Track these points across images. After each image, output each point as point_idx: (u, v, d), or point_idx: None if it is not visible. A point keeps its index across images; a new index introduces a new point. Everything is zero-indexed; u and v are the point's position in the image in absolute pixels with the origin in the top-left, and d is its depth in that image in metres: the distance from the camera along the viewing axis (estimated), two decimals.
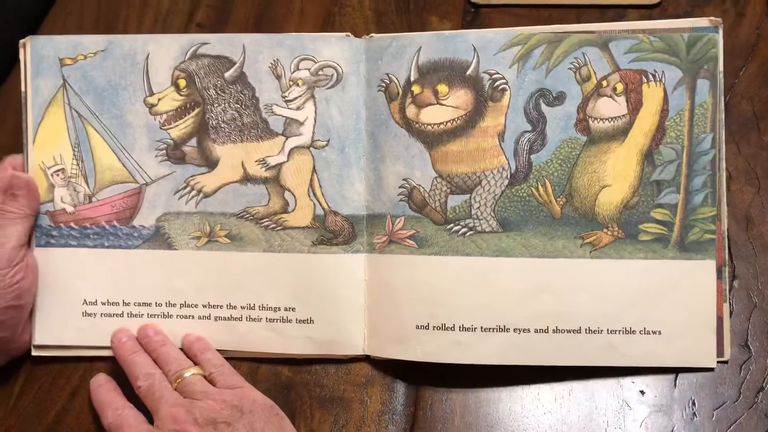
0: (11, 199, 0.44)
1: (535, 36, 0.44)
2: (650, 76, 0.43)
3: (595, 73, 0.44)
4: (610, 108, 0.44)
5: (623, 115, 0.44)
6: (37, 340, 0.46)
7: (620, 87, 0.43)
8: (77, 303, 0.46)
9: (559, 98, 0.44)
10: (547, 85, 0.44)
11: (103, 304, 0.46)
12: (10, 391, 0.45)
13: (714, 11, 0.55)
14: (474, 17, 0.59)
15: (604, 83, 0.44)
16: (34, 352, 0.46)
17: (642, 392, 0.43)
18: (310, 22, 0.59)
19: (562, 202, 0.44)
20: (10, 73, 0.58)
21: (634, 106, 0.43)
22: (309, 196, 0.46)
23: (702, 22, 0.43)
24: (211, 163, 0.47)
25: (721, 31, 0.43)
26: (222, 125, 0.47)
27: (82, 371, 0.46)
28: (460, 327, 0.43)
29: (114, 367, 0.45)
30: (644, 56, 0.43)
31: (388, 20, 0.59)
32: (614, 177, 0.43)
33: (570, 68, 0.44)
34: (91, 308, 0.46)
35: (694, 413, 0.42)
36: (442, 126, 0.44)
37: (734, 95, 0.51)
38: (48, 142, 0.47)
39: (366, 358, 0.45)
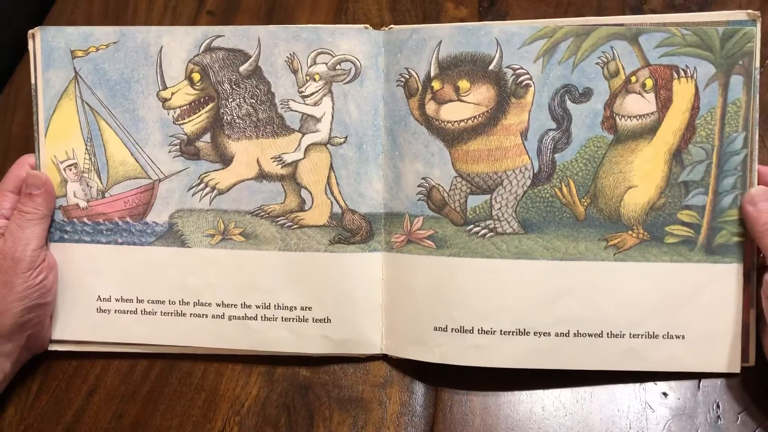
0: (28, 198, 0.44)
1: (561, 29, 0.42)
2: (681, 72, 0.41)
3: (623, 68, 0.42)
4: (638, 105, 0.42)
5: (652, 113, 0.42)
6: (54, 335, 0.46)
7: (649, 83, 0.42)
8: (91, 299, 0.46)
9: (585, 95, 0.42)
10: (573, 80, 0.42)
11: (117, 300, 0.46)
12: (28, 389, 0.45)
13: None
14: (491, 3, 0.57)
15: (633, 79, 0.42)
16: (51, 347, 0.46)
17: (665, 394, 0.42)
18: (323, 9, 0.58)
19: (586, 203, 0.43)
20: (18, 63, 0.57)
21: (664, 104, 0.42)
22: (326, 194, 0.45)
23: (738, 15, 0.41)
24: (225, 160, 0.45)
25: (759, 25, 0.41)
26: (237, 121, 0.45)
27: (98, 370, 0.46)
28: (479, 330, 0.42)
29: (130, 365, 0.45)
30: (676, 51, 0.41)
31: (402, 6, 0.58)
32: (641, 177, 0.42)
33: (597, 63, 0.42)
34: (105, 304, 0.46)
35: (719, 416, 0.41)
36: (462, 123, 0.43)
37: (760, 86, 0.49)
38: (60, 136, 0.46)
39: (383, 358, 0.45)
